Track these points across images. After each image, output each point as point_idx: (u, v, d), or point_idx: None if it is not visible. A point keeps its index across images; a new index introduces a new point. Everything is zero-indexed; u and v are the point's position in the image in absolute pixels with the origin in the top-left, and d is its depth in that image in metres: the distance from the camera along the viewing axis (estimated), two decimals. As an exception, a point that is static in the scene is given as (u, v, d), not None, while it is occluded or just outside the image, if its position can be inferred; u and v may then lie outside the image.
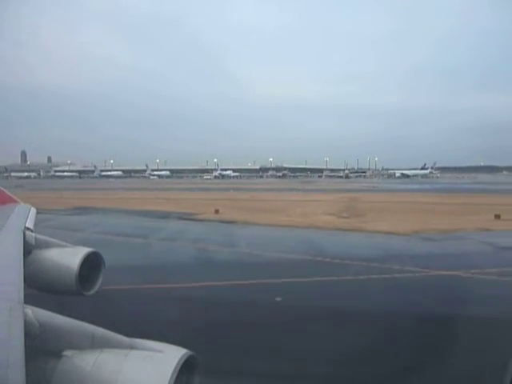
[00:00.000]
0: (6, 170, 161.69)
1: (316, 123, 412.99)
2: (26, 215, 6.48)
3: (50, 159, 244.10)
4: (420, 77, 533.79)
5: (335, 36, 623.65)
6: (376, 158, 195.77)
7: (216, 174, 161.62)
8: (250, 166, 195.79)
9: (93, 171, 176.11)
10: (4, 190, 8.27)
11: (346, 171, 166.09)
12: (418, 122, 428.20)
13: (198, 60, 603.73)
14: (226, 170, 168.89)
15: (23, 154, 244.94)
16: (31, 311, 2.69)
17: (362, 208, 35.85)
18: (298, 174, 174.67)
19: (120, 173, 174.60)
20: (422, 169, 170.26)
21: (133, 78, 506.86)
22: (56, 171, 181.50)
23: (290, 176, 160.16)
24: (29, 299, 2.90)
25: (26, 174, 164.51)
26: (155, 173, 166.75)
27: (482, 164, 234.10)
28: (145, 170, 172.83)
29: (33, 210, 7.02)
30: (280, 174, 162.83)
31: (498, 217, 28.02)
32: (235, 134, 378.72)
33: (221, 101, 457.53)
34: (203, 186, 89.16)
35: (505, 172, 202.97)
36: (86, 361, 2.59)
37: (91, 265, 5.18)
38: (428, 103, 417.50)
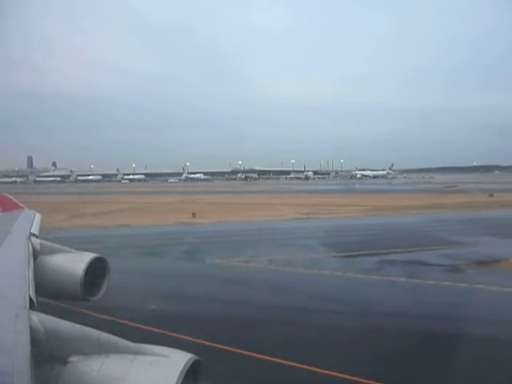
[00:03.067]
0: None
1: (328, 123, 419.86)
2: (31, 221, 6.42)
3: (54, 164, 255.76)
4: (430, 75, 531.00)
5: (347, 36, 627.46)
6: (342, 160, 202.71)
7: (183, 177, 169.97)
8: (232, 168, 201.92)
9: (69, 176, 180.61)
10: (10, 196, 8.21)
11: (305, 173, 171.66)
12: (426, 121, 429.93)
13: (212, 64, 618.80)
14: (195, 173, 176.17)
15: (30, 159, 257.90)
16: (37, 317, 2.71)
17: (137, 209, 42.47)
18: (267, 176, 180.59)
19: (99, 177, 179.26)
20: (390, 169, 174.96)
21: (147, 84, 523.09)
22: (37, 176, 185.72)
23: (252, 178, 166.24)
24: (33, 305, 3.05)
25: (14, 178, 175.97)
26: (126, 177, 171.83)
27: (475, 164, 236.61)
28: (123, 174, 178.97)
29: (38, 216, 6.93)
30: (243, 177, 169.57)
31: (194, 215, 33.97)
32: (252, 136, 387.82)
33: (235, 103, 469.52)
34: (136, 189, 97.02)
35: (497, 172, 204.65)
36: (92, 366, 2.58)
37: (96, 270, 5.11)
38: (436, 102, 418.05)
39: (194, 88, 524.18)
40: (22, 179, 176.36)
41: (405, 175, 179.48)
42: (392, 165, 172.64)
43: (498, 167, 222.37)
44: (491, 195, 54.43)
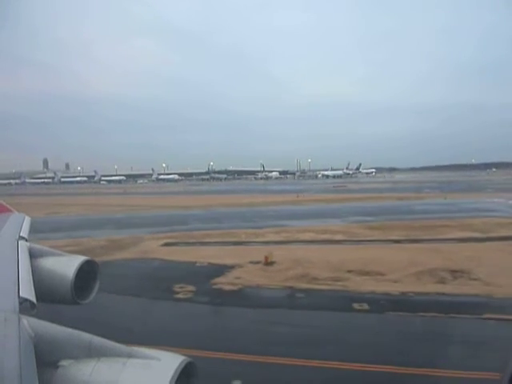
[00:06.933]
0: None
1: (349, 121, 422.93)
2: (20, 224, 6.35)
3: (67, 166, 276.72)
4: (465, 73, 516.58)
5: (370, 37, 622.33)
6: (309, 160, 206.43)
7: (153, 178, 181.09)
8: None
9: (52, 178, 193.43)
10: None
11: (265, 173, 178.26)
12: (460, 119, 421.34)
13: (237, 67, 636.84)
14: (169, 174, 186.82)
15: (45, 162, 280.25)
16: (26, 321, 2.67)
17: None
18: (238, 176, 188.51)
19: (85, 179, 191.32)
20: (357, 169, 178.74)
21: (172, 89, 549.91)
22: (31, 178, 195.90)
23: (216, 179, 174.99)
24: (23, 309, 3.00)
25: (9, 180, 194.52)
26: (104, 178, 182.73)
27: (473, 161, 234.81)
28: (102, 175, 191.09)
29: (27, 219, 6.91)
30: (207, 177, 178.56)
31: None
32: (275, 136, 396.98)
33: (259, 104, 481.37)
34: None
35: (494, 169, 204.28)
36: (84, 370, 2.55)
37: (86, 273, 5.02)
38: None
39: (217, 90, 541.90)
40: (17, 181, 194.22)
41: (373, 174, 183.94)
42: (348, 164, 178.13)
43: (496, 164, 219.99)
44: (297, 195, 61.25)
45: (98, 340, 2.74)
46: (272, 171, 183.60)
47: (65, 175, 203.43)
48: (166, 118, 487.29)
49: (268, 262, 18.91)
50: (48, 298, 4.48)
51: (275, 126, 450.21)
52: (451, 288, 14.62)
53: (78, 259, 5.00)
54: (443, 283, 15.19)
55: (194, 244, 25.11)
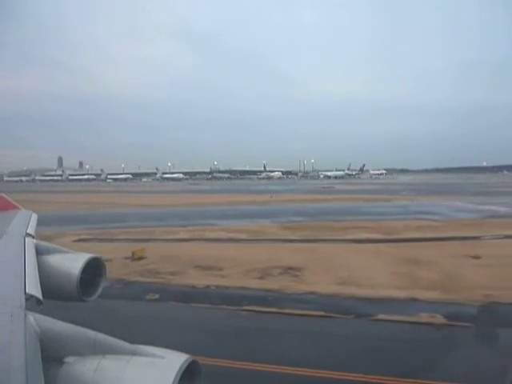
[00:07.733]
0: None
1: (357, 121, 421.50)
2: (27, 221, 6.46)
3: (81, 164, 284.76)
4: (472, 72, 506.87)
5: (386, 33, 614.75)
6: (312, 160, 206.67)
7: (157, 177, 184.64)
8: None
9: (61, 175, 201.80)
10: (6, 196, 8.42)
11: (266, 173, 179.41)
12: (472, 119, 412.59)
13: (247, 65, 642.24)
14: (174, 173, 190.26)
15: (60, 159, 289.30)
16: (32, 317, 2.74)
17: None
18: (242, 176, 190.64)
19: (93, 176, 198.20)
20: (361, 170, 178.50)
21: (181, 90, 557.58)
22: (43, 175, 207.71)
23: (217, 178, 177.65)
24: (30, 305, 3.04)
25: (20, 178, 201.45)
26: (110, 177, 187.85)
27: (485, 164, 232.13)
28: (108, 174, 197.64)
29: (34, 216, 6.97)
30: (210, 177, 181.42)
31: None
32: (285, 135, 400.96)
33: (267, 102, 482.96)
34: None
35: (505, 171, 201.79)
36: (88, 367, 2.61)
37: (92, 270, 5.07)
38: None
39: (225, 89, 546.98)
40: (28, 178, 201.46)
41: (383, 175, 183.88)
42: (362, 165, 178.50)
43: (508, 167, 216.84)
44: (271, 196, 62.53)
45: (102, 337, 2.83)
46: (274, 171, 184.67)
47: (73, 173, 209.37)
48: (175, 118, 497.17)
49: (135, 258, 20.23)
50: (54, 295, 4.54)
51: (283, 126, 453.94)
52: (264, 283, 15.71)
53: (84, 256, 5.10)
54: (263, 279, 16.21)
55: (103, 240, 26.62)
